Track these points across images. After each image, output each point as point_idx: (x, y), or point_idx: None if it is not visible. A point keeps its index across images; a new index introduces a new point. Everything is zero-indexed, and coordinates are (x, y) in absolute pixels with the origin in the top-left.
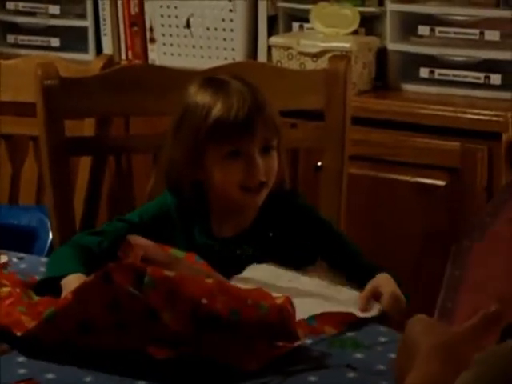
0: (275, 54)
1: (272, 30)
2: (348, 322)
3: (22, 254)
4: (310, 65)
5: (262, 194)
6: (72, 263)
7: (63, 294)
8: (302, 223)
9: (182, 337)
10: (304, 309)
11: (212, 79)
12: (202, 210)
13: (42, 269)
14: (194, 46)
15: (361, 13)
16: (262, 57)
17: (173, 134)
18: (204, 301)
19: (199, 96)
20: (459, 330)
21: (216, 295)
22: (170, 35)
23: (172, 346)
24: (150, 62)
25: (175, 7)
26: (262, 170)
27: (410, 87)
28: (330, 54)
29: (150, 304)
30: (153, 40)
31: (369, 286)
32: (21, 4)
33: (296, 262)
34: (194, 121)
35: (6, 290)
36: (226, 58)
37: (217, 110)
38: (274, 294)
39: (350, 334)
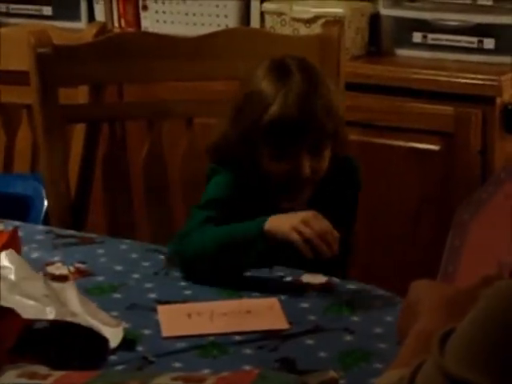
0: (268, 20)
1: None
2: None
3: (17, 223)
4: (303, 30)
5: (304, 191)
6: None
7: None
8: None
9: None
10: None
11: (280, 66)
12: (259, 186)
13: (39, 237)
14: (186, 14)
15: None
16: (254, 23)
17: (233, 114)
18: None
19: (264, 83)
20: (462, 288)
21: None
22: (163, 2)
23: None
24: (142, 29)
25: None
26: (306, 172)
27: (403, 52)
28: (322, 20)
29: None
30: (145, 7)
31: None
32: None
33: None
34: (254, 111)
35: None
36: (218, 25)
37: (274, 109)
38: None
39: (345, 298)
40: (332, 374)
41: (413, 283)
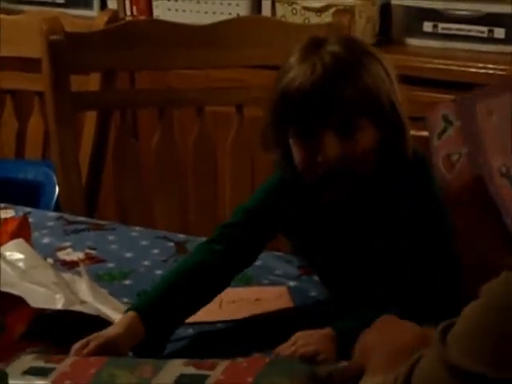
0: (279, 8)
1: None
2: None
3: (28, 209)
4: (314, 19)
5: (342, 184)
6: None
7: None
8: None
9: None
10: None
11: (312, 40)
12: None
13: (49, 223)
14: (198, 1)
15: None
16: (266, 12)
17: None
18: None
19: (292, 56)
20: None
21: None
22: None
23: None
24: (154, 17)
25: None
26: (331, 156)
27: (413, 41)
28: (333, 9)
29: None
30: None
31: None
32: None
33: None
34: (274, 86)
35: None
36: (230, 14)
37: (285, 79)
38: None
39: None
40: (343, 364)
41: (362, 333)
